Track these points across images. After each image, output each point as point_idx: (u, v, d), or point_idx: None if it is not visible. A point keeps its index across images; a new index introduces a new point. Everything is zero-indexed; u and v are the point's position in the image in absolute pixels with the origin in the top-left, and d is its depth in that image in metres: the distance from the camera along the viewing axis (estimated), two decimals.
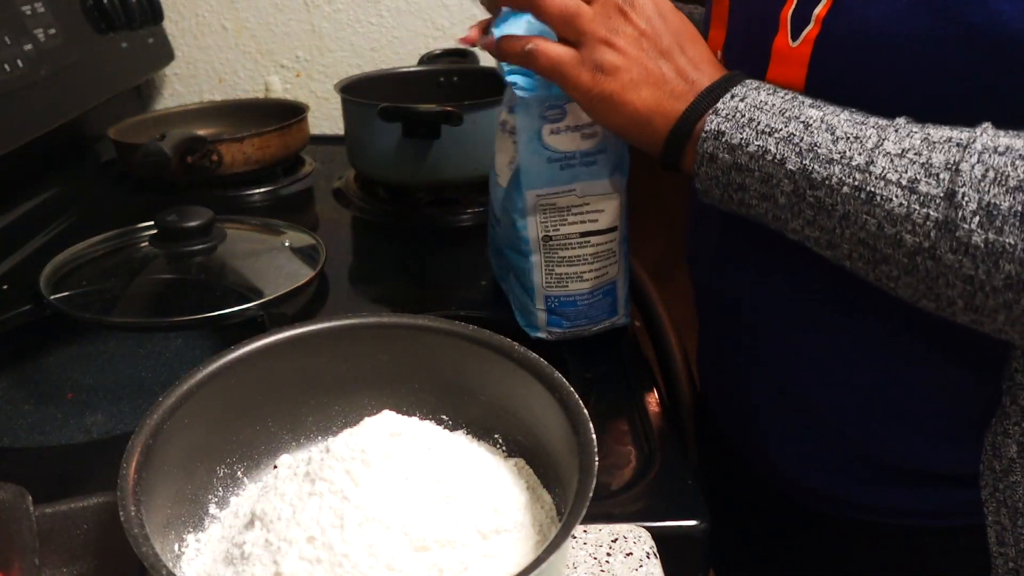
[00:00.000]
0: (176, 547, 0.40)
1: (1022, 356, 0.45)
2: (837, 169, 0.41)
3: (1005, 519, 0.48)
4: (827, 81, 0.45)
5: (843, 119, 0.42)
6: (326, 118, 1.32)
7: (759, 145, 0.44)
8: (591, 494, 0.35)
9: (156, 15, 1.11)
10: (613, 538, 0.46)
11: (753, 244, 0.54)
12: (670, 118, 0.48)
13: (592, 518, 0.47)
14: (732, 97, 0.46)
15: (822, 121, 0.42)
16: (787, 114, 0.43)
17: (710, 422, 0.69)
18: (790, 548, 0.64)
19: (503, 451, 0.47)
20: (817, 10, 0.44)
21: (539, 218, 0.60)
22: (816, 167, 0.42)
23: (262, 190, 1.07)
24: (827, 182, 0.41)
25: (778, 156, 0.43)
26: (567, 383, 0.41)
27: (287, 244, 0.82)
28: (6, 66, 0.75)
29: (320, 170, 1.15)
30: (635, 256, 0.83)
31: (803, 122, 0.43)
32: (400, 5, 1.24)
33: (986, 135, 0.38)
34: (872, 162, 0.40)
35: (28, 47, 0.80)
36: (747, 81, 0.47)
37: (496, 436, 0.47)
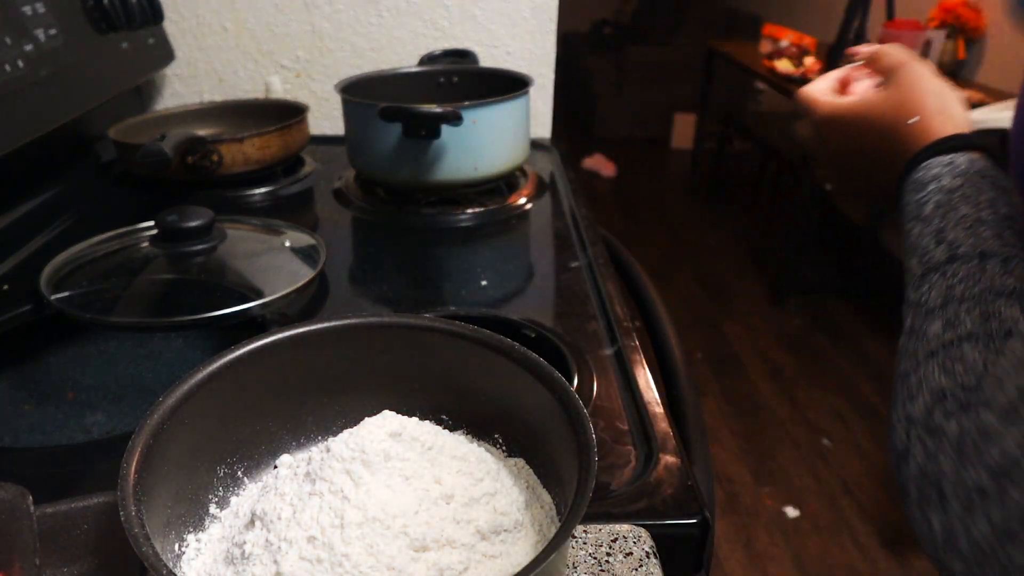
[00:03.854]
0: (176, 547, 0.40)
1: None
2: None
3: None
4: None
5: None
6: (326, 118, 1.32)
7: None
8: (591, 494, 0.35)
9: (156, 15, 1.11)
10: (613, 538, 0.46)
11: None
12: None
13: (592, 518, 0.48)
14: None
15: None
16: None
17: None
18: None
19: (503, 451, 0.47)
20: None
21: None
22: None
23: (262, 190, 1.07)
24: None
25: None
26: (567, 383, 0.41)
27: (287, 244, 0.82)
28: (6, 66, 0.75)
29: (320, 170, 1.15)
30: (635, 256, 0.83)
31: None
32: (400, 5, 1.24)
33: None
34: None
35: (28, 47, 0.80)
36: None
37: (496, 436, 0.47)
